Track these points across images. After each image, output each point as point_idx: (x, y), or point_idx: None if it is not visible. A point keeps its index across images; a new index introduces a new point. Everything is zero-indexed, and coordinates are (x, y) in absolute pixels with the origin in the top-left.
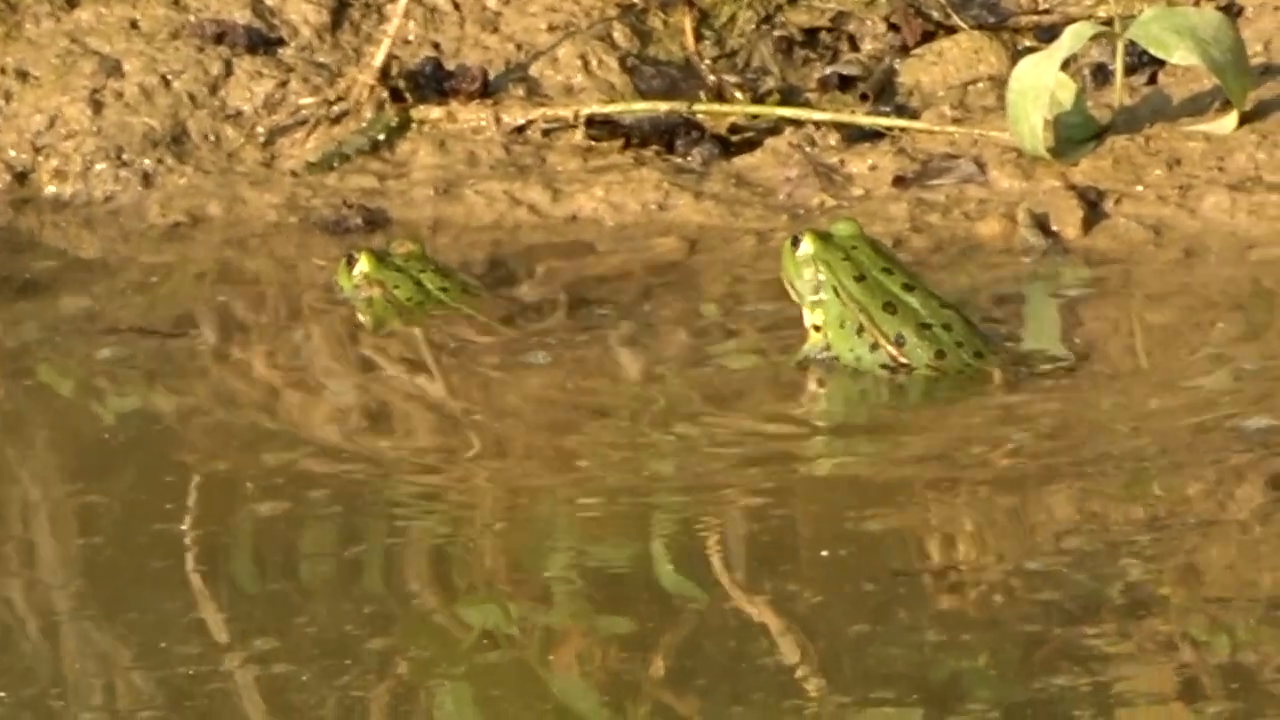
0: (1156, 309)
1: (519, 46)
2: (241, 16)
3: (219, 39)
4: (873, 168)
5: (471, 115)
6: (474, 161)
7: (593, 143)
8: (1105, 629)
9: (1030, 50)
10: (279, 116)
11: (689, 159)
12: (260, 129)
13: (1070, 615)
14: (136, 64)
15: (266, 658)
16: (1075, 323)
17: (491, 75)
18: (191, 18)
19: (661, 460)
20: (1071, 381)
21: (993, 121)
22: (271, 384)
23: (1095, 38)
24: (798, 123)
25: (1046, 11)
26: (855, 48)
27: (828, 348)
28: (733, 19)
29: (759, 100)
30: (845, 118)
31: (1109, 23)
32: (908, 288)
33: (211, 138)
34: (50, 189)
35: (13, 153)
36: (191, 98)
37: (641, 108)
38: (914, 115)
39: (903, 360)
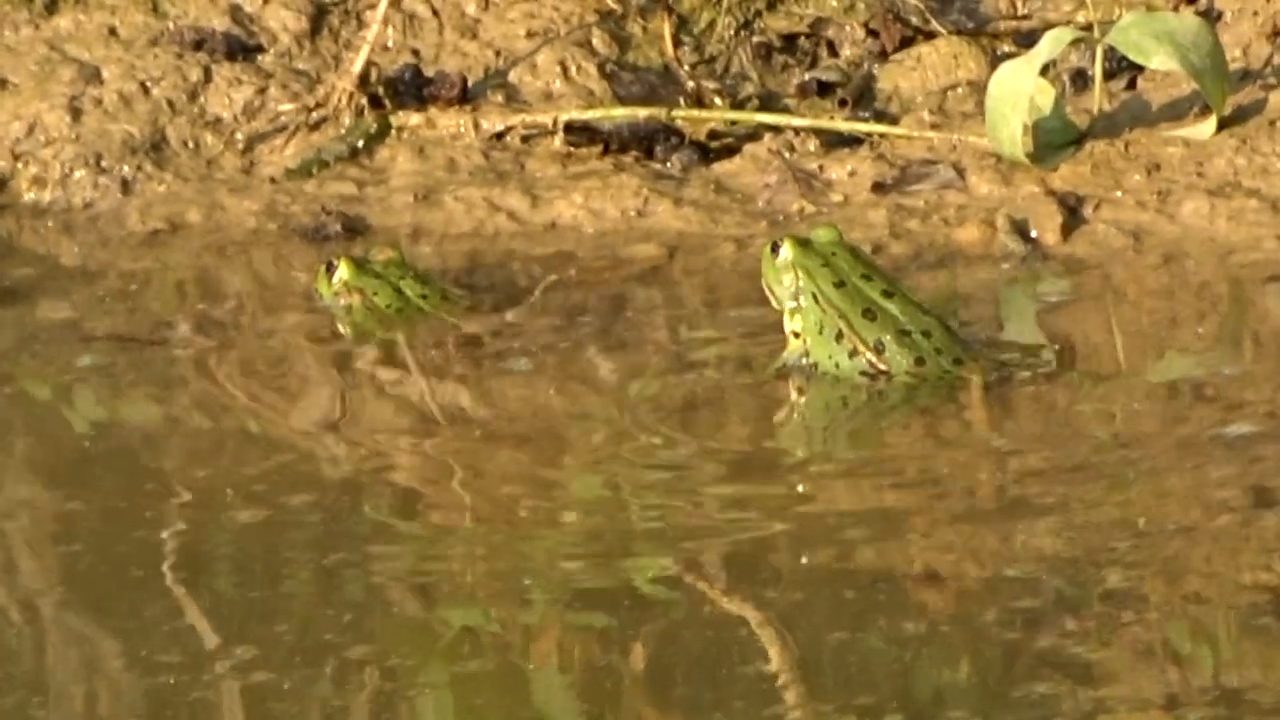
0: (1136, 314)
1: (498, 53)
2: (220, 24)
3: (198, 46)
4: (852, 174)
5: (451, 122)
6: (453, 168)
7: (572, 149)
8: (1086, 636)
9: (1009, 56)
10: (258, 123)
11: (668, 165)
12: (239, 136)
13: (1051, 622)
14: (115, 71)
15: (247, 666)
16: (1055, 328)
17: (470, 82)
18: (170, 25)
19: (642, 468)
20: (1051, 387)
21: (972, 127)
22: (251, 391)
23: (1074, 43)
24: (777, 129)
25: (1025, 17)
26: (834, 53)
27: (807, 354)
28: (711, 25)
29: (738, 106)
30: (824, 124)
31: (1088, 28)
32: (887, 294)
33: (191, 144)
34: (29, 196)
35: None
36: (171, 105)
37: (621, 114)
38: (893, 121)
39: (882, 367)
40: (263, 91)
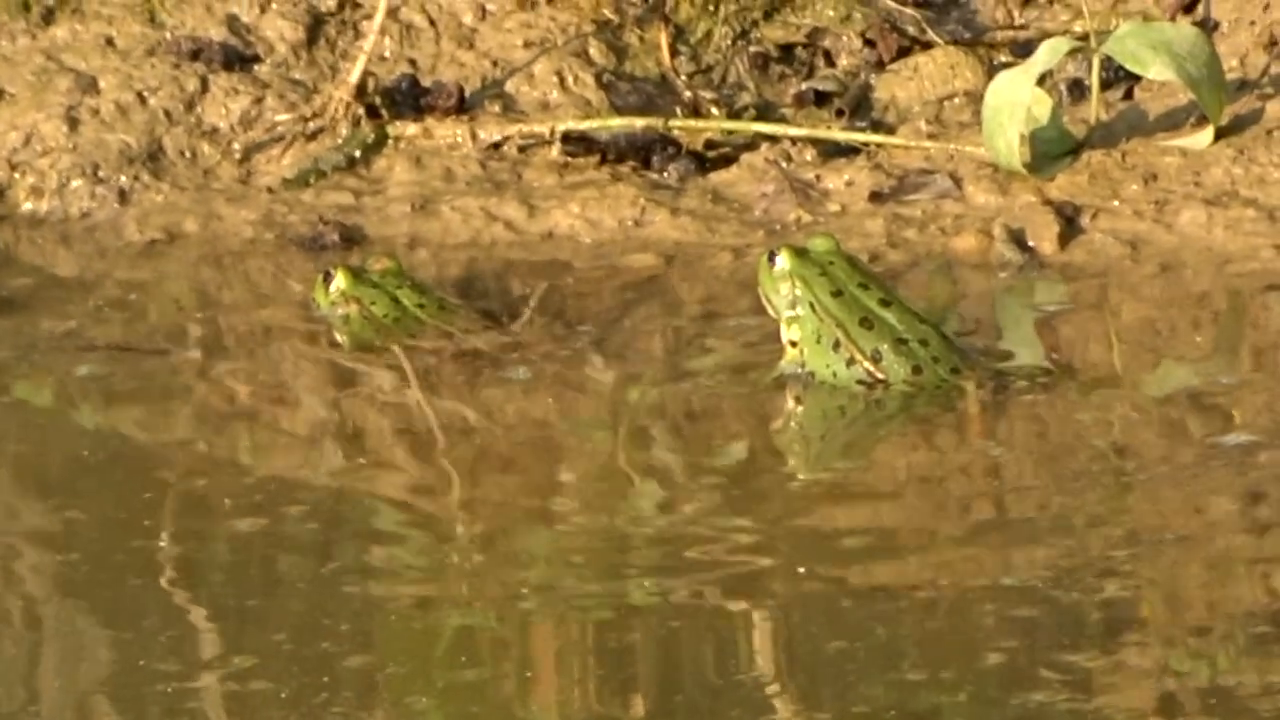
0: (1133, 324)
1: (495, 63)
2: (217, 34)
3: (195, 56)
4: (849, 183)
5: (448, 131)
6: (450, 178)
7: (569, 159)
8: (1083, 646)
9: (1006, 66)
10: (255, 133)
11: (665, 175)
12: (236, 146)
13: (1048, 632)
14: (112, 81)
15: (245, 675)
16: (1052, 338)
17: (468, 92)
18: (168, 35)
19: (639, 477)
20: (1048, 396)
21: (969, 137)
22: (249, 401)
23: (1071, 53)
24: (774, 138)
25: (1022, 27)
26: (831, 63)
27: (804, 363)
28: (708, 35)
29: (735, 116)
30: (821, 133)
31: (1085, 38)
32: (884, 303)
33: (188, 154)
34: (26, 206)
35: None
36: (168, 114)
37: (618, 124)
38: (890, 131)
39: (879, 376)
40: (260, 101)
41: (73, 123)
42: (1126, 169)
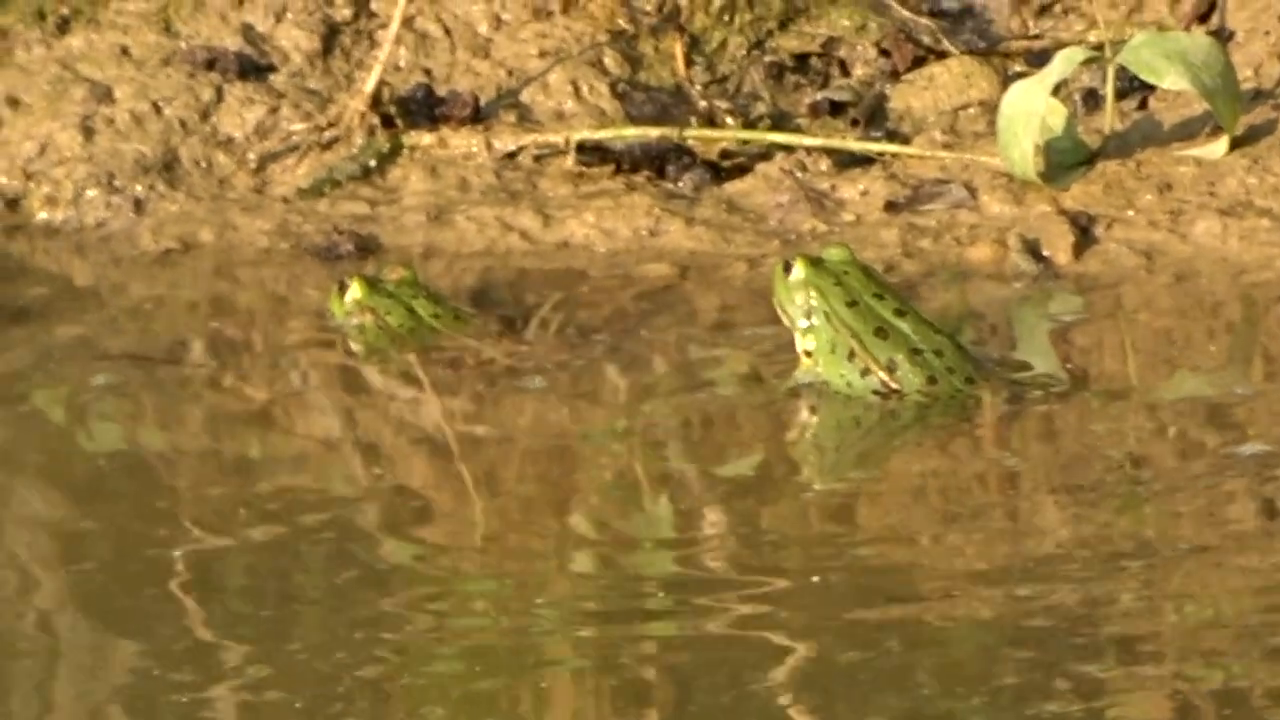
0: (1148, 334)
1: (510, 72)
2: (233, 43)
3: (210, 65)
4: (864, 193)
5: (463, 141)
6: (465, 187)
7: (584, 168)
8: (1098, 655)
9: (1021, 75)
10: (270, 143)
11: (680, 185)
12: (251, 155)
13: (1063, 641)
14: (128, 90)
15: (260, 685)
16: (1067, 348)
17: (483, 101)
18: (183, 44)
19: (654, 486)
20: (1063, 406)
21: (984, 147)
22: (264, 410)
23: (1086, 63)
24: (789, 148)
25: (1037, 37)
26: (846, 73)
27: (819, 373)
28: (723, 45)
29: (750, 126)
30: (836, 143)
31: (1100, 48)
32: (899, 313)
33: (203, 164)
34: (42, 215)
35: (4, 179)
36: (183, 124)
37: (632, 133)
38: (905, 141)
39: (894, 386)
40: (275, 111)
41: (88, 132)
42: (1141, 179)
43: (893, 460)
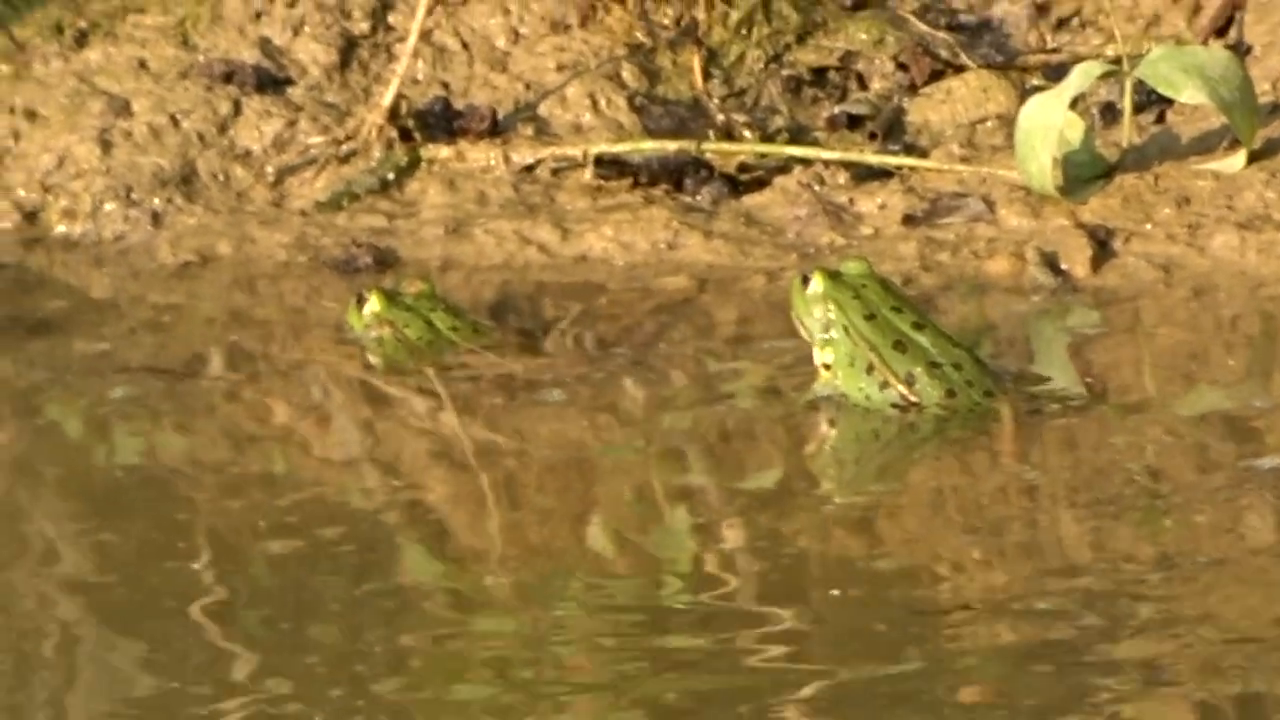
0: (1166, 347)
1: (528, 86)
2: (250, 56)
3: (228, 78)
4: (882, 206)
5: (480, 154)
6: (483, 201)
7: (602, 182)
8: (1118, 669)
9: (1039, 89)
10: (288, 156)
11: (698, 198)
12: (269, 168)
13: (1081, 655)
14: (145, 103)
15: (279, 698)
16: (1085, 361)
17: (500, 114)
18: (200, 57)
19: (673, 499)
20: (1081, 420)
21: (1001, 160)
22: (282, 423)
23: (1104, 76)
24: (807, 161)
25: (1055, 50)
26: (864, 87)
27: (837, 387)
28: (741, 58)
29: (768, 139)
30: (854, 156)
31: (1117, 61)
32: (918, 326)
33: (221, 177)
34: (60, 228)
35: (22, 192)
36: (200, 137)
37: (650, 147)
38: (923, 154)
39: (913, 399)
40: (293, 124)
41: (106, 145)
42: (1159, 192)
43: (911, 473)
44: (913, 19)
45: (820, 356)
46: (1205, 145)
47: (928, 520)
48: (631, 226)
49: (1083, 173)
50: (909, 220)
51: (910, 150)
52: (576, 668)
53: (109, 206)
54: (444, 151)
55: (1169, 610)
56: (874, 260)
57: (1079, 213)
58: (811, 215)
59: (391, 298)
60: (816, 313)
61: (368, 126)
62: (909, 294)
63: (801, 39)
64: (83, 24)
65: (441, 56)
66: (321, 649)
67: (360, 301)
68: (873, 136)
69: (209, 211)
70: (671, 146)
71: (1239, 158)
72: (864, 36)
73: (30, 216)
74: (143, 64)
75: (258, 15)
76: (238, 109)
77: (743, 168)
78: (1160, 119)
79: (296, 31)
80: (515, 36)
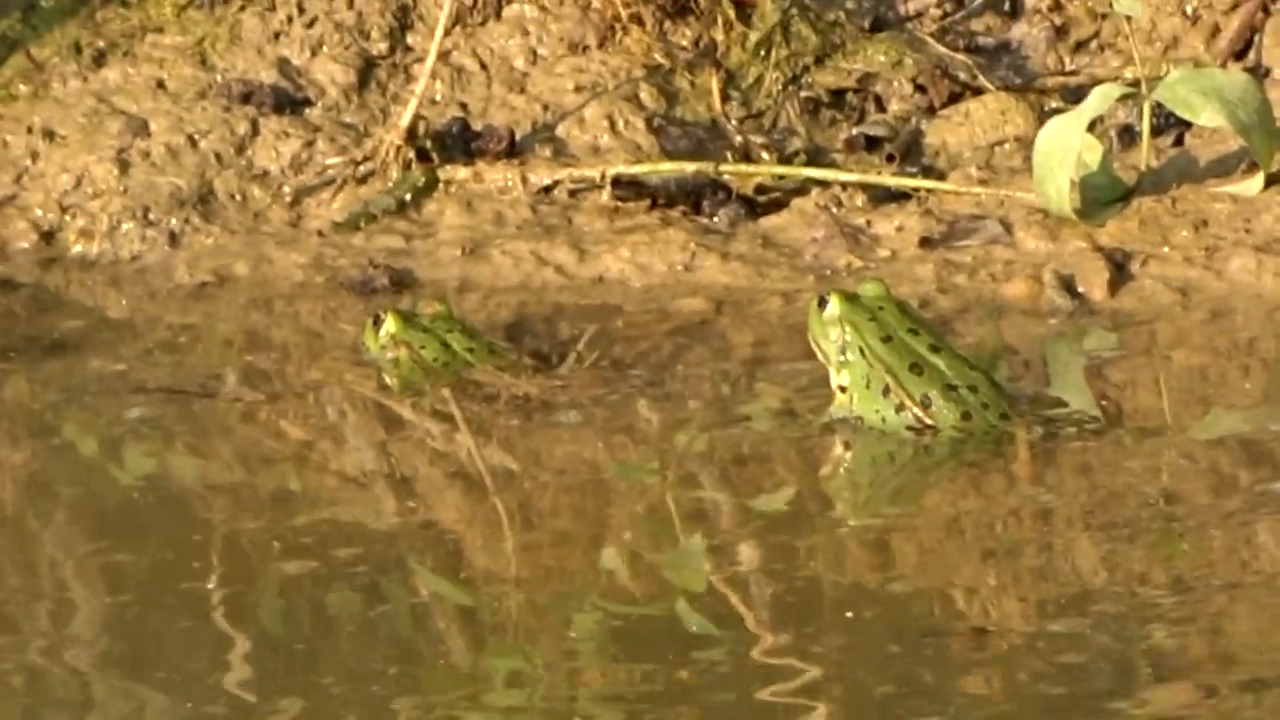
0: (1183, 371)
1: (546, 107)
2: (268, 76)
3: (246, 99)
4: (899, 228)
5: (498, 175)
6: (501, 222)
7: (619, 203)
8: (1131, 692)
9: (1057, 111)
10: (305, 176)
11: (715, 220)
12: (287, 189)
13: (1095, 678)
14: (163, 124)
15: (293, 718)
16: (1101, 384)
17: (518, 135)
18: (218, 78)
19: (688, 520)
20: (1097, 443)
21: (1019, 182)
22: (298, 443)
23: (1122, 99)
24: (824, 183)
25: (1073, 73)
26: (882, 108)
27: (854, 409)
28: (759, 80)
29: (785, 161)
30: (872, 178)
31: (1136, 84)
32: (934, 349)
33: (238, 197)
34: (77, 248)
35: (39, 212)
36: (218, 157)
37: (668, 168)
38: (940, 176)
39: (929, 421)
40: (310, 144)
41: (123, 165)
42: (1177, 215)
43: (927, 496)
44: (931, 41)
45: (837, 378)
46: (1223, 168)
47: (943, 543)
48: (649, 248)
49: (1100, 195)
50: (926, 242)
51: (928, 172)
52: (591, 689)
53: (126, 226)
54: (461, 172)
55: (1183, 633)
56: (891, 282)
57: (1096, 235)
58: (829, 237)
59: (408, 319)
60: (833, 335)
61: (385, 147)
62: (926, 316)
63: (820, 61)
64: (101, 44)
65: (460, 77)
66: (336, 669)
67: (377, 322)
68: (890, 158)
69: (226, 232)
70: (689, 168)
71: (1257, 181)
72: (882, 58)
73: (47, 236)
74: (161, 84)
75: (276, 35)
76: (255, 129)
77: (760, 189)
78: (1178, 142)
79: (315, 52)
80: (533, 57)
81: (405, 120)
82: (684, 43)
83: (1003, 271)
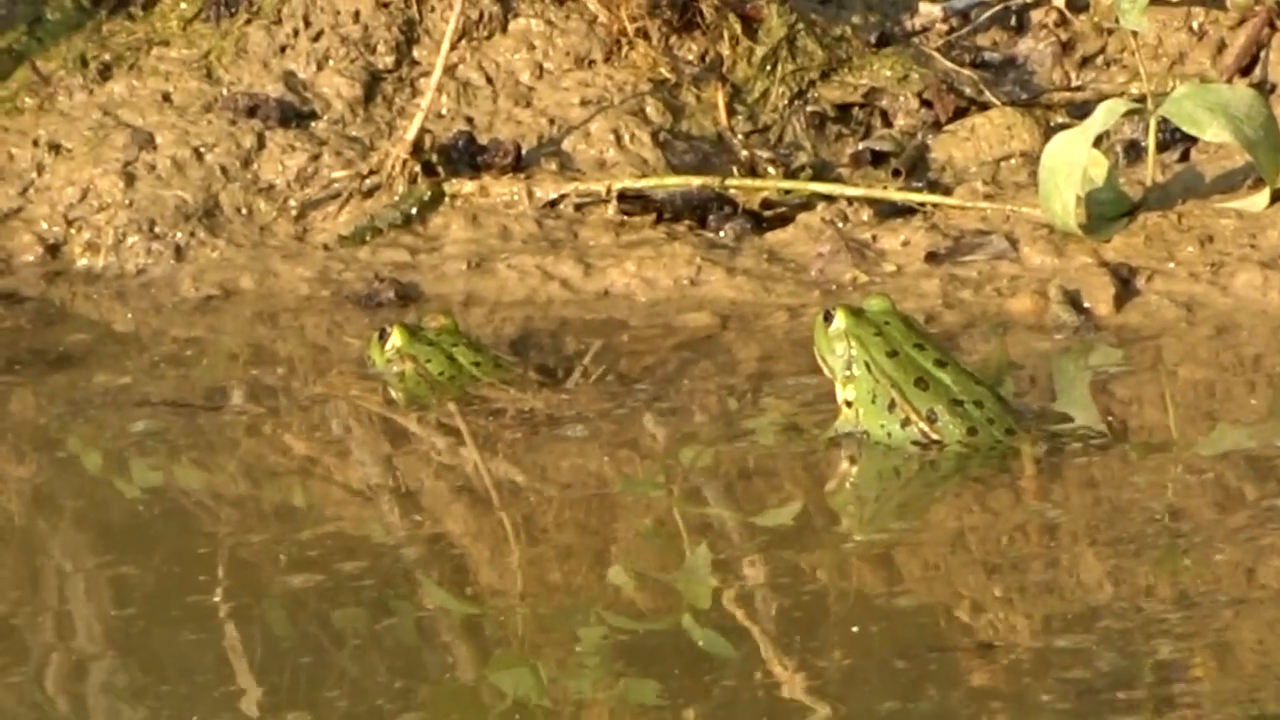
0: (1188, 386)
1: (551, 121)
2: (274, 90)
3: (251, 112)
4: (905, 243)
5: (504, 189)
6: (506, 236)
7: (625, 217)
8: (1138, 708)
9: (1063, 127)
10: (311, 190)
11: (721, 234)
12: (292, 202)
13: (1102, 694)
14: (169, 137)
15: None
16: (1107, 399)
17: (524, 149)
18: (224, 91)
19: (694, 535)
20: (1103, 458)
21: (1025, 198)
22: (304, 457)
23: (1128, 114)
24: (830, 198)
25: (1079, 88)
26: (888, 123)
27: (859, 424)
28: (765, 94)
29: (791, 176)
30: (878, 193)
31: (1141, 100)
32: (940, 364)
33: (244, 211)
34: (82, 261)
35: (45, 225)
36: (224, 170)
37: (674, 182)
38: (946, 191)
39: (934, 436)
40: (316, 158)
41: (129, 179)
42: (1182, 231)
43: (932, 511)
44: (937, 56)
45: (842, 393)
46: (1229, 184)
47: (948, 558)
48: (654, 262)
49: (1106, 211)
50: (932, 257)
51: (934, 187)
52: (596, 703)
53: (132, 240)
54: (467, 186)
55: (1189, 649)
56: (897, 297)
57: (1102, 251)
58: (835, 252)
59: (414, 332)
60: (839, 349)
61: (391, 161)
62: (931, 331)
63: (826, 75)
64: (107, 57)
65: (466, 91)
66: (342, 683)
67: (382, 336)
68: (896, 173)
69: (231, 245)
70: (695, 182)
71: (1262, 196)
72: (888, 73)
73: (53, 249)
74: (166, 97)
75: (282, 49)
76: (261, 143)
77: (766, 204)
78: (1184, 157)
79: (321, 65)
80: (540, 71)
81: (411, 134)
82: (690, 57)
83: (1008, 287)
